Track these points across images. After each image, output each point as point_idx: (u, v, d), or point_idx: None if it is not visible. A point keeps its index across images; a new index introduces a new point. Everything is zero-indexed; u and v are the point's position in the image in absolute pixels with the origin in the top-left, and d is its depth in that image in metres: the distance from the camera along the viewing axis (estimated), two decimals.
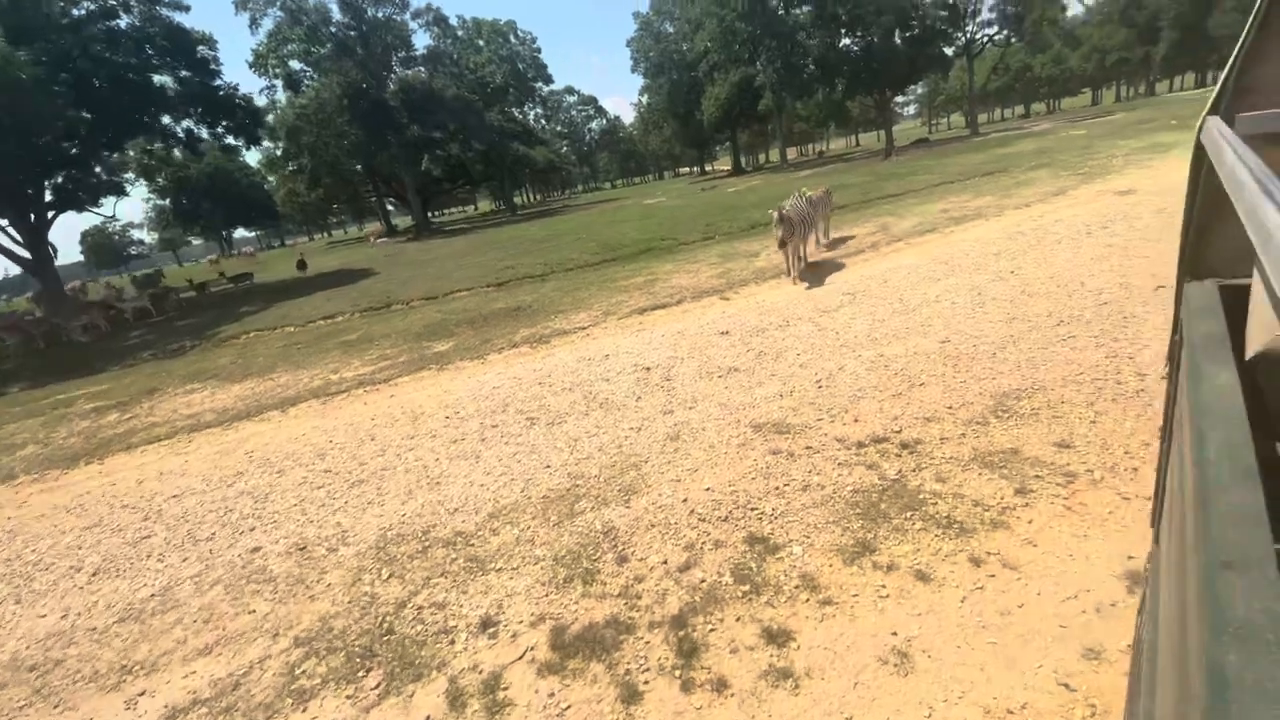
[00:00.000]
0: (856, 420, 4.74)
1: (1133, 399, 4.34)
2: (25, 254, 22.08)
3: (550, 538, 3.91)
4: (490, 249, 23.27)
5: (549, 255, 17.92)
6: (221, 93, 24.03)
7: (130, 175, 28.71)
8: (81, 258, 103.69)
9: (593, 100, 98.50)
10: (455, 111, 41.15)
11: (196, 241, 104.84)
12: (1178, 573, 0.91)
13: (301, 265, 24.97)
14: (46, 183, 25.10)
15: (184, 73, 23.11)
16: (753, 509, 3.82)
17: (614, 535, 3.82)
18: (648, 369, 6.65)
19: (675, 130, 67.32)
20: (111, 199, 30.68)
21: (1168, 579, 1.13)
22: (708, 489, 4.12)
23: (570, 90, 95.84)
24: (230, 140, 24.87)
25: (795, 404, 5.20)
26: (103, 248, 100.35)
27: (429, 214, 71.67)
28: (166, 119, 23.67)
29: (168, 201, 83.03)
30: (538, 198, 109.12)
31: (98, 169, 26.61)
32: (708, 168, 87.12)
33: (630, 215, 28.19)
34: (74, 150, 21.46)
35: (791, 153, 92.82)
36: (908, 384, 5.21)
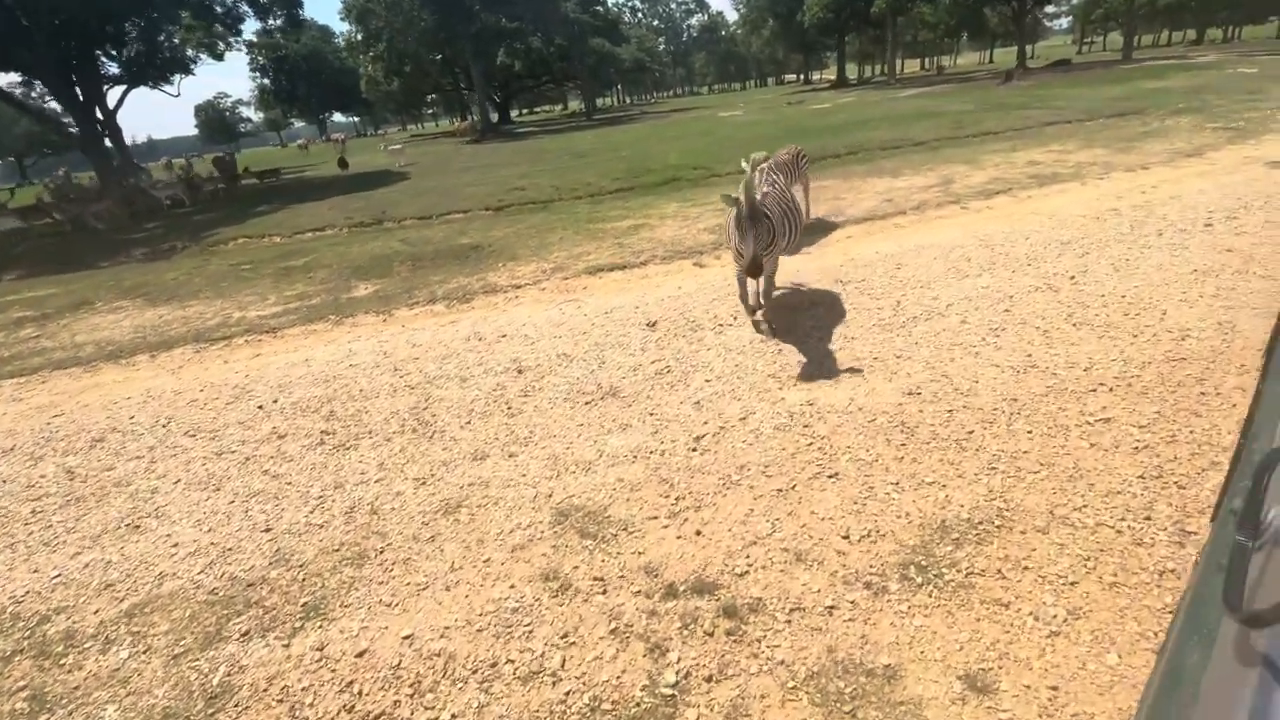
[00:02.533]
0: (699, 534, 3.11)
1: (1141, 593, 2.48)
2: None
3: (156, 679, 2.66)
4: (527, 160, 21.54)
5: (571, 175, 16.07)
6: None
7: (191, 53, 27.90)
8: (196, 131, 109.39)
9: None
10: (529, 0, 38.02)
11: (299, 123, 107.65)
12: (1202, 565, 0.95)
13: (342, 164, 24.17)
14: (99, 54, 25.17)
15: None
16: (428, 708, 2.40)
17: (232, 696, 2.53)
18: (520, 371, 5.11)
19: (776, 31, 60.55)
20: (178, 77, 30.92)
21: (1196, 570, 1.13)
22: (407, 637, 2.71)
23: None
24: (272, 20, 23.63)
25: (643, 476, 3.59)
26: (214, 123, 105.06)
27: (511, 112, 69.56)
28: None
29: (268, 81, 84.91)
30: (628, 100, 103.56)
31: (156, 42, 26.44)
32: (814, 76, 78.91)
33: (691, 130, 25.39)
34: (109, 26, 20.93)
35: (913, 66, 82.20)
36: (814, 470, 3.46)
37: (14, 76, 30.83)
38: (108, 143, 26.43)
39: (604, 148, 22.56)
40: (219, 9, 23.72)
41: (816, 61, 77.92)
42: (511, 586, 2.90)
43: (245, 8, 23.89)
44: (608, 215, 10.80)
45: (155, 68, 28.24)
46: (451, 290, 7.62)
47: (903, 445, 3.57)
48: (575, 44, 46.82)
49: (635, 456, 3.77)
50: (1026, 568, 2.69)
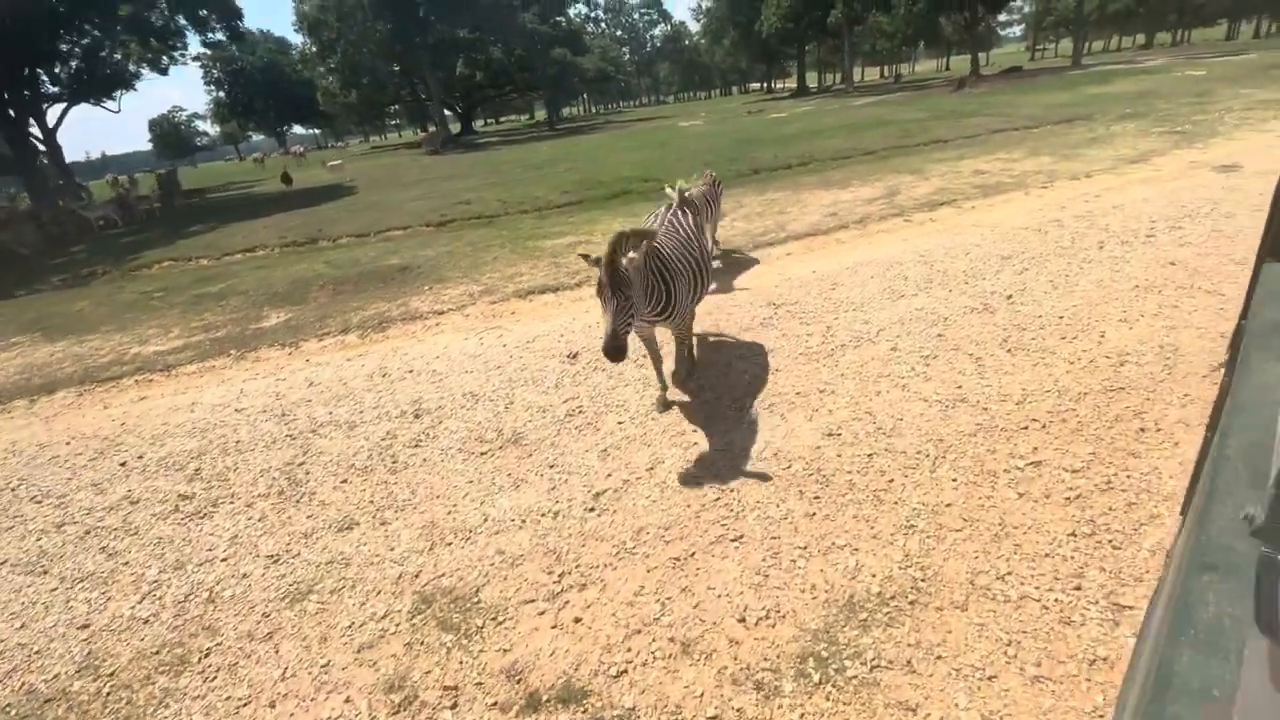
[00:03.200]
0: (578, 621, 2.69)
1: (1067, 690, 2.13)
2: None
3: None
4: (482, 172, 21.01)
5: (520, 189, 15.62)
6: None
7: (133, 68, 26.82)
8: (150, 145, 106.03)
9: (657, 2, 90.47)
10: (484, 10, 37.53)
11: (257, 136, 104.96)
12: (1174, 568, 0.96)
13: (286, 179, 23.31)
14: (40, 73, 24.07)
15: None
16: None
17: None
18: (417, 415, 4.65)
19: (736, 41, 60.95)
20: (119, 92, 29.72)
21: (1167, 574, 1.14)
22: None
23: None
24: (210, 34, 22.75)
25: (528, 547, 3.15)
26: (169, 137, 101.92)
27: (474, 122, 68.64)
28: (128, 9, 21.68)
29: (223, 94, 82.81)
30: (595, 109, 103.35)
31: (96, 58, 25.40)
32: (776, 85, 79.70)
33: (649, 141, 25.13)
34: (44, 45, 19.94)
35: (873, 74, 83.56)
36: (717, 532, 3.07)
37: None
38: (44, 161, 25.23)
39: (561, 158, 22.16)
40: (156, 23, 22.74)
41: (778, 70, 78.74)
42: (347, 701, 2.44)
43: (183, 21, 22.95)
44: (549, 232, 10.38)
45: (96, 84, 27.10)
46: (368, 318, 7.10)
47: (816, 499, 3.20)
48: (536, 54, 46.41)
49: (524, 521, 3.33)
50: (940, 656, 2.33)
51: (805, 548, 2.91)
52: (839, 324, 5.21)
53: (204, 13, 22.45)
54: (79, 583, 3.32)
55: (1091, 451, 3.28)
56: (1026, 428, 3.55)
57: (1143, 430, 3.41)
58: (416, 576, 3.04)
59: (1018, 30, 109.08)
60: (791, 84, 67.10)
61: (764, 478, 3.41)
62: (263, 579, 3.15)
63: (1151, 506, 2.89)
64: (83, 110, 27.92)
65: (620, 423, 4.18)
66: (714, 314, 5.86)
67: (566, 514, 3.36)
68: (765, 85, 79.86)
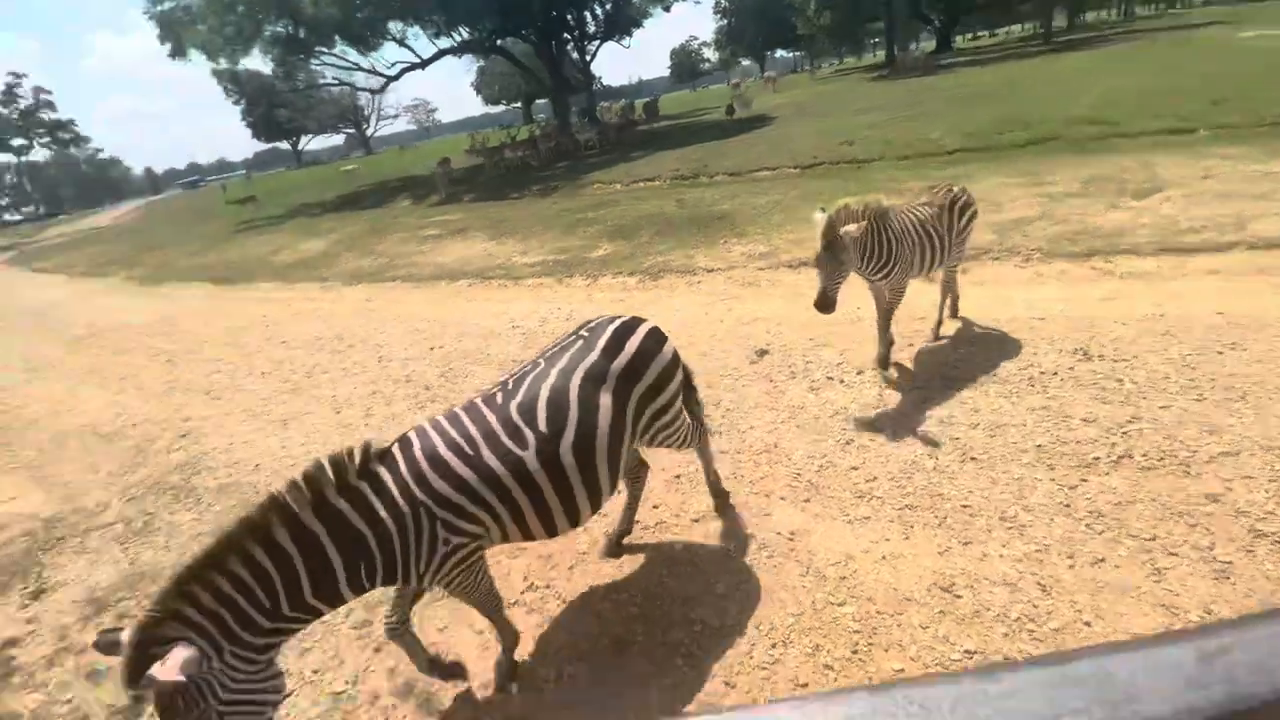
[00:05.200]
0: None
1: None
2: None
3: None
4: (898, 104, 18.97)
5: (918, 128, 13.70)
6: None
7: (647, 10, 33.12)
8: (668, 73, 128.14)
9: None
10: None
11: (746, 61, 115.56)
12: None
13: (729, 111, 25.40)
14: (586, 15, 31.64)
15: None
16: None
17: None
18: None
19: None
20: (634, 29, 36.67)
21: None
22: None
23: None
24: None
25: None
26: (681, 65, 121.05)
27: (950, 38, 60.49)
28: None
29: (729, 22, 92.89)
30: (1150, 8, 78.34)
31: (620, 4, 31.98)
32: None
33: (1158, 61, 18.45)
34: None
35: None
36: None
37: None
38: (575, 90, 33.74)
39: (1003, 88, 18.22)
40: None
41: None
42: None
43: None
44: (899, 188, 9.07)
45: (618, 25, 34.18)
46: (655, 265, 7.77)
47: None
48: None
49: None
50: None
51: None
52: None
53: None
54: (333, 406, 5.04)
55: None
56: None
57: None
58: None
59: None
60: None
61: None
62: None
63: None
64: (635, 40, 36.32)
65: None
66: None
67: None
68: None
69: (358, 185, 26.58)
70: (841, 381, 4.37)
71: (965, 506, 3.03)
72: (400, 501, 2.07)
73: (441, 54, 27.20)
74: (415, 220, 14.88)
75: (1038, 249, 6.08)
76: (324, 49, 24.85)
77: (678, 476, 3.67)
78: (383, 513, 2.03)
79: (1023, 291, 5.32)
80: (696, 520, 3.30)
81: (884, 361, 4.37)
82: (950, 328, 4.87)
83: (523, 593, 3.06)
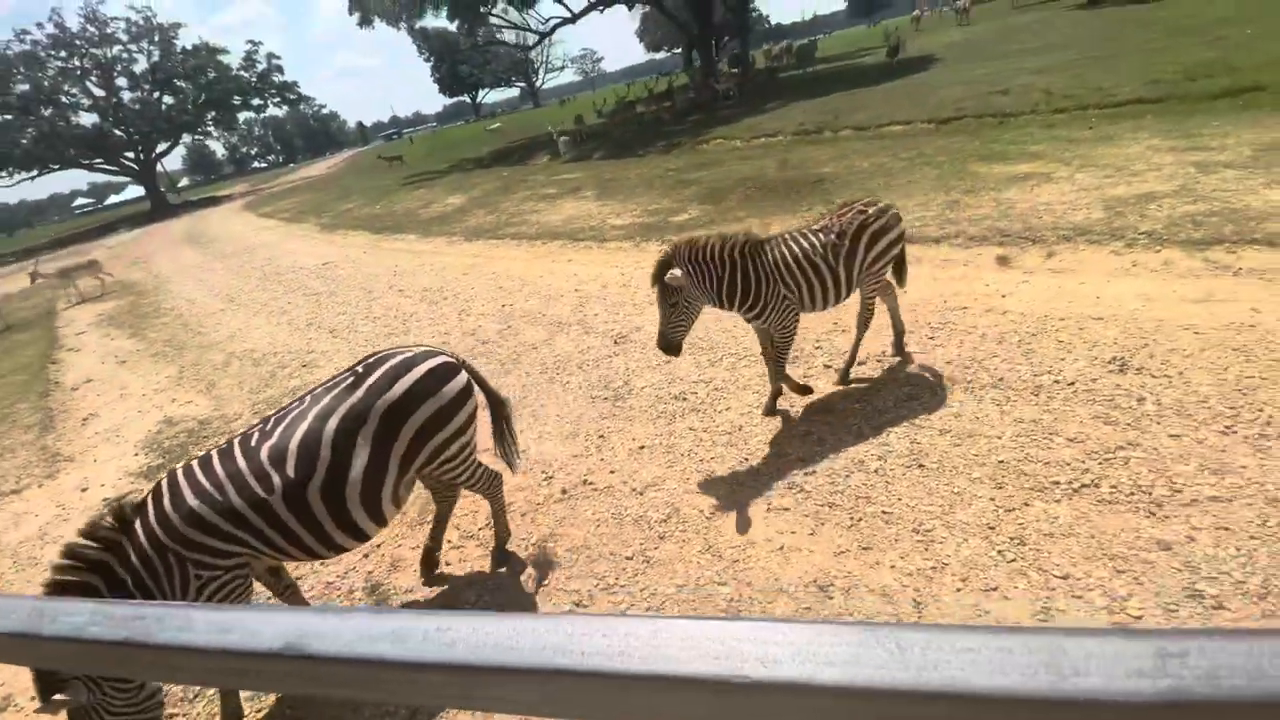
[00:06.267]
0: None
1: None
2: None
3: None
4: (1092, 40, 16.22)
5: (1097, 72, 11.66)
6: None
7: None
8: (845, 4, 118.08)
9: None
10: None
11: None
12: None
13: (891, 52, 23.08)
14: None
15: None
16: None
17: None
18: (615, 341, 5.40)
19: None
20: None
21: None
22: None
23: None
24: None
25: None
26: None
27: None
28: None
29: None
30: None
31: None
32: None
33: None
34: None
35: None
36: None
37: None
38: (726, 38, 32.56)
39: (1235, 18, 14.68)
40: None
41: None
42: None
43: None
44: (1023, 152, 8.06)
45: None
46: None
47: None
48: None
49: None
50: None
51: None
52: None
53: None
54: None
55: None
56: None
57: None
58: None
59: None
60: None
61: None
62: None
63: None
64: None
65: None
66: None
67: None
68: None
69: (508, 141, 28.38)
70: (838, 371, 4.28)
71: (886, 513, 2.99)
72: (148, 549, 2.25)
73: (590, 8, 27.66)
74: (543, 178, 15.78)
75: (1149, 232, 5.22)
76: (486, 7, 26.48)
77: (642, 447, 3.95)
78: (134, 560, 2.23)
79: (1102, 285, 4.67)
80: (640, 491, 3.58)
81: (770, 410, 3.95)
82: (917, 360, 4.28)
83: (480, 529, 3.59)
